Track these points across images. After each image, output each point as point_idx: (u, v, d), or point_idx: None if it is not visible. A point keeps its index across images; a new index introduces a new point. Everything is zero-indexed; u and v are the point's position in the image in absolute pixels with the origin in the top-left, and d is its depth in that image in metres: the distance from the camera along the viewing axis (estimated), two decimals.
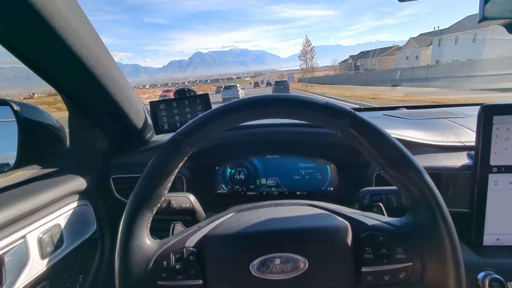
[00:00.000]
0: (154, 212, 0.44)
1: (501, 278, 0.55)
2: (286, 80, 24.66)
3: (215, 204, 0.89)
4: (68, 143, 0.93)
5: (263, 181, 0.89)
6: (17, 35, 0.55)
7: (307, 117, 0.42)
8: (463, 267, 0.37)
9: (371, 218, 0.43)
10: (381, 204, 0.55)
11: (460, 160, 0.67)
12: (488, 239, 0.62)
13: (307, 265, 0.38)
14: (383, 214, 0.54)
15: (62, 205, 0.71)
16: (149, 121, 0.91)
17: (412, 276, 0.38)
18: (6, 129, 0.78)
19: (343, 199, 0.75)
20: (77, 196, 0.75)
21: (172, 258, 0.41)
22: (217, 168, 0.91)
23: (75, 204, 0.74)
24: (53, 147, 0.89)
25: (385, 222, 0.41)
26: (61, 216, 0.70)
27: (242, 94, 20.73)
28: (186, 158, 0.44)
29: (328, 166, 0.86)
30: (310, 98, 0.42)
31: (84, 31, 0.60)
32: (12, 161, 0.75)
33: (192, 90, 0.99)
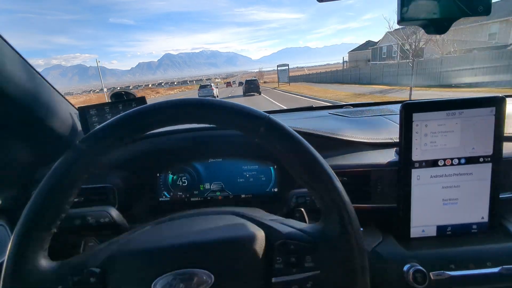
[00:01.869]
0: (53, 230, 0.39)
1: (423, 269, 0.57)
2: (256, 79, 24.83)
3: (157, 213, 0.84)
4: None
5: (207, 185, 0.86)
6: None
7: (221, 123, 0.40)
8: (368, 273, 0.37)
9: (287, 226, 0.42)
10: (302, 209, 0.55)
11: (388, 156, 0.70)
12: (415, 232, 0.65)
13: (212, 280, 0.36)
14: (303, 219, 0.54)
15: None
16: (79, 128, 0.84)
17: (319, 284, 0.37)
18: None
19: (286, 199, 0.75)
20: None
21: (70, 281, 0.37)
22: (158, 175, 0.86)
23: None
24: None
25: (299, 229, 0.40)
26: None
27: (216, 92, 25.33)
28: (93, 169, 0.40)
29: (271, 167, 0.85)
30: (223, 102, 0.40)
31: None
32: None
33: (131, 94, 0.93)
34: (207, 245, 0.39)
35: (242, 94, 23.95)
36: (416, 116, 0.61)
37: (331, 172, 0.39)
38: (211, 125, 0.43)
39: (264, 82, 52.93)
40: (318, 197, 0.39)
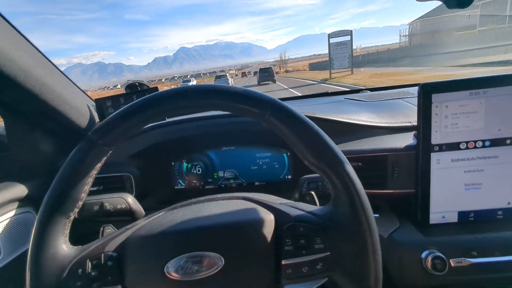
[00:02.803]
0: (72, 217, 0.41)
1: (443, 256, 0.55)
2: (270, 67, 24.44)
3: (173, 200, 0.86)
4: (6, 147, 0.87)
5: (221, 173, 0.87)
6: None
7: (228, 108, 0.40)
8: (380, 256, 0.36)
9: (296, 209, 0.41)
10: (312, 192, 0.54)
11: (406, 140, 0.67)
12: (434, 218, 0.63)
13: (223, 262, 0.36)
14: (314, 202, 0.53)
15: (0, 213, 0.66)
16: (97, 119, 0.87)
17: (330, 266, 0.37)
18: None
19: (299, 185, 0.75)
20: (17, 204, 0.70)
21: (89, 264, 0.39)
22: (172, 163, 0.88)
23: (14, 212, 0.69)
24: None
25: (309, 212, 0.40)
26: None
27: (231, 82, 26.54)
28: (105, 158, 0.42)
29: (285, 154, 0.84)
30: (228, 88, 0.40)
31: (12, 47, 0.55)
32: None
33: (145, 85, 0.94)
34: (217, 228, 0.40)
35: (256, 83, 23.79)
36: (435, 97, 0.58)
37: (341, 155, 0.37)
38: (219, 111, 0.42)
39: (286, 71, 46.28)
40: (328, 179, 0.38)
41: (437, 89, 0.57)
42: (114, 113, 0.41)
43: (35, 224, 0.39)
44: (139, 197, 0.76)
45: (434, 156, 0.60)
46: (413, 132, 0.70)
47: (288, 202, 0.45)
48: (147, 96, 0.41)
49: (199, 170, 0.87)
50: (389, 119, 0.76)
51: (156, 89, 0.86)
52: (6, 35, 0.58)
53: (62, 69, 0.76)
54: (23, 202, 0.72)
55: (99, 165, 0.41)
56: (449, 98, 0.58)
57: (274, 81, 22.31)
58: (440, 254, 0.56)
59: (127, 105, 0.41)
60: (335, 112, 0.78)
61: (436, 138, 0.59)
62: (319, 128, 0.38)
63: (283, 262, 0.38)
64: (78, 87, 0.85)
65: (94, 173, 0.41)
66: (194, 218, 0.42)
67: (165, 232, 0.40)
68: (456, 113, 0.58)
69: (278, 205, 0.43)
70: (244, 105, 0.39)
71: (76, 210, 0.41)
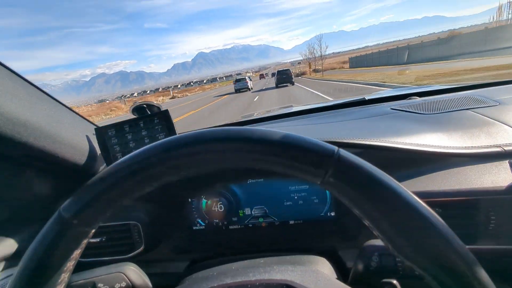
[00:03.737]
0: None
1: None
2: (288, 69, 23.90)
3: (191, 244, 0.72)
4: None
5: (247, 211, 0.72)
6: None
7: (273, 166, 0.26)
8: None
9: None
10: (395, 282, 0.37)
11: (502, 174, 0.49)
12: None
13: None
14: None
15: None
16: (98, 152, 0.74)
17: None
18: None
19: (348, 226, 0.58)
20: (2, 265, 0.58)
21: None
22: (189, 200, 0.74)
23: None
24: None
25: None
26: None
27: (250, 84, 26.16)
28: (87, 238, 0.29)
29: None
30: (267, 133, 0.25)
31: None
32: None
33: (156, 106, 0.80)
34: None
35: (274, 86, 23.51)
36: None
37: (467, 252, 0.21)
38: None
39: (315, 71, 34.64)
40: (440, 285, 0.22)
41: None
42: (99, 175, 0.28)
43: None
44: (148, 248, 0.62)
45: None
46: (508, 161, 0.51)
47: None
48: (155, 143, 0.28)
49: (221, 207, 0.72)
50: (465, 141, 0.57)
51: (166, 112, 0.72)
52: None
53: (86, 79, 0.61)
54: (9, 261, 0.60)
55: (81, 246, 0.29)
56: None
57: (293, 83, 21.98)
58: None
59: (119, 161, 0.28)
60: (387, 133, 0.61)
61: None
62: (423, 204, 0.22)
63: None
64: (74, 111, 0.72)
65: (73, 257, 0.28)
66: None
67: None
68: None
69: None
70: (293, 164, 0.24)
71: None
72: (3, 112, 0.47)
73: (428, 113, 0.75)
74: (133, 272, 0.46)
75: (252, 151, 0.26)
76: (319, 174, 0.24)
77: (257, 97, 16.50)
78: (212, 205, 0.72)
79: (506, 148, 0.53)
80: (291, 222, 0.70)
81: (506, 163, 0.51)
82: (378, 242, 0.43)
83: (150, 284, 0.47)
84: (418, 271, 0.23)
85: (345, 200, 0.25)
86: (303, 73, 39.26)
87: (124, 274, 0.45)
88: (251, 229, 0.72)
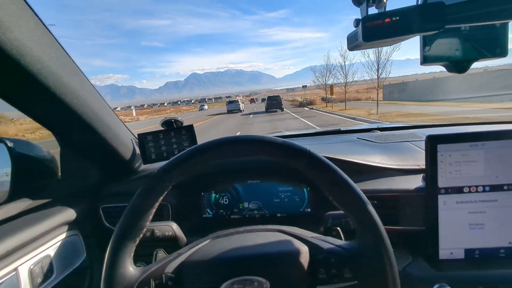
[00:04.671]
0: (137, 242, 0.49)
1: None
2: (278, 96, 25.00)
3: (201, 227, 0.94)
4: (59, 173, 0.97)
5: (246, 204, 0.95)
6: (13, 90, 0.61)
7: (270, 155, 0.49)
8: (399, 283, 0.44)
9: (327, 242, 0.50)
10: (338, 229, 0.63)
11: (416, 182, 0.76)
12: (443, 254, 0.70)
13: (269, 286, 0.44)
14: (340, 237, 0.61)
15: (53, 236, 0.75)
16: (138, 151, 0.98)
17: None
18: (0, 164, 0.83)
19: (319, 219, 0.82)
20: (66, 227, 0.79)
21: (152, 284, 0.47)
22: (202, 193, 0.97)
23: (64, 235, 0.78)
24: (45, 178, 0.94)
25: (338, 246, 0.48)
26: (51, 247, 0.73)
27: (242, 106, 29.05)
28: (166, 192, 0.50)
29: (305, 189, 0.93)
30: (269, 138, 0.49)
31: (76, 83, 0.67)
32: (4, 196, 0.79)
33: (179, 121, 1.06)
34: (261, 257, 0.48)
35: (264, 110, 24.31)
36: (440, 147, 0.68)
37: (365, 198, 0.47)
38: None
39: (323, 100, 26.53)
40: (355, 219, 0.47)
41: (441, 140, 0.67)
42: (176, 156, 0.50)
43: (108, 248, 0.47)
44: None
45: (441, 198, 0.69)
46: (422, 175, 0.79)
47: (318, 236, 0.53)
48: (207, 141, 0.51)
49: (226, 201, 0.95)
50: (399, 161, 0.85)
51: (191, 127, 0.98)
52: (59, 58, 0.65)
53: None
54: (71, 225, 0.81)
55: (161, 198, 0.50)
56: (452, 148, 0.67)
57: (282, 109, 22.87)
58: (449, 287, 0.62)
59: (187, 150, 0.51)
60: (351, 153, 0.88)
61: (442, 182, 0.68)
62: (346, 175, 0.48)
63: None
64: (122, 121, 0.96)
65: (157, 204, 0.50)
66: (241, 247, 0.51)
67: (217, 258, 0.49)
68: (459, 161, 0.68)
69: (310, 238, 0.52)
70: (284, 154, 0.49)
71: (141, 235, 0.50)
72: (92, 108, 0.72)
73: (381, 142, 1.04)
74: (176, 226, 0.68)
75: (262, 148, 0.50)
76: (299, 161, 0.48)
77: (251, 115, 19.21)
78: (219, 199, 0.96)
79: (422, 167, 0.81)
80: (278, 214, 0.94)
81: (420, 176, 0.79)
82: (332, 212, 0.68)
83: (185, 238, 0.69)
84: (349, 215, 0.47)
85: (315, 180, 0.49)
86: (310, 103, 29.51)
87: (171, 226, 0.67)
88: (248, 219, 0.95)
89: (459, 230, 0.69)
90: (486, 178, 0.67)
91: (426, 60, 0.57)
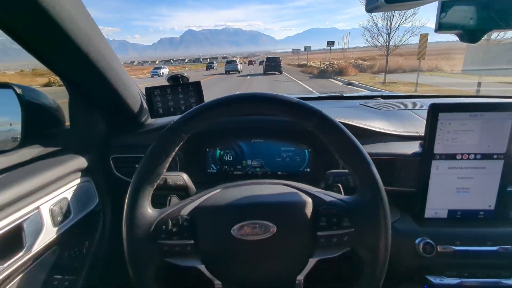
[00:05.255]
0: (155, 187, 0.53)
1: (432, 243, 0.70)
2: (278, 57, 24.14)
3: (205, 182, 1.00)
4: (66, 123, 0.99)
5: (249, 162, 1.00)
6: (25, 30, 0.60)
7: (283, 113, 0.52)
8: (390, 233, 0.50)
9: (329, 196, 0.55)
10: (339, 185, 0.68)
11: (413, 148, 0.81)
12: (429, 213, 0.77)
13: (275, 230, 0.50)
14: (340, 192, 0.67)
15: (68, 181, 0.79)
16: (145, 105, 0.99)
17: (353, 239, 0.51)
18: (9, 110, 0.84)
19: (317, 178, 0.88)
20: (79, 173, 0.83)
21: (170, 223, 0.52)
22: (207, 149, 1.01)
23: (78, 181, 0.82)
24: (53, 127, 0.96)
25: (339, 199, 0.53)
26: (67, 191, 0.78)
27: (240, 67, 29.41)
28: (182, 143, 0.53)
29: (306, 150, 0.98)
30: (284, 97, 0.52)
31: (89, 29, 0.66)
32: (16, 141, 0.81)
33: (185, 77, 1.05)
34: (271, 205, 0.53)
35: (262, 72, 23.69)
36: (441, 116, 0.71)
37: (369, 159, 0.51)
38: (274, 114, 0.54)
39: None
40: (357, 176, 0.51)
41: (443, 109, 0.70)
42: (193, 109, 0.52)
43: (129, 189, 0.52)
44: None
45: (435, 163, 0.74)
46: (420, 142, 0.84)
47: (321, 190, 0.59)
48: (222, 97, 0.53)
49: (230, 157, 1.00)
50: (399, 128, 0.89)
51: (198, 83, 0.98)
52: (95, 30, 0.68)
53: None
54: (84, 172, 0.85)
55: (177, 148, 0.53)
56: (453, 117, 0.71)
57: (281, 72, 22.30)
58: (430, 241, 0.70)
59: (201, 104, 0.53)
60: (354, 117, 0.91)
61: (438, 148, 0.73)
62: (353, 136, 0.51)
63: (318, 234, 0.51)
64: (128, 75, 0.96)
65: (173, 154, 0.53)
66: (251, 195, 0.56)
67: (228, 204, 0.54)
68: (457, 130, 0.71)
69: (314, 192, 0.57)
70: (296, 113, 0.51)
71: (158, 181, 0.54)
72: (105, 56, 0.72)
73: (382, 109, 1.07)
74: (186, 177, 0.73)
75: (276, 106, 0.52)
76: (311, 121, 0.51)
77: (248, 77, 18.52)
78: (223, 155, 1.00)
79: (420, 134, 0.85)
80: (279, 173, 0.99)
81: (417, 142, 0.84)
82: (333, 170, 0.73)
83: (194, 188, 0.74)
84: (353, 173, 0.51)
85: (324, 140, 0.52)
86: (340, 70, 19.19)
87: (182, 176, 0.72)
88: (250, 176, 1.00)
89: (446, 193, 0.76)
90: (479, 147, 0.72)
91: (441, 27, 0.58)
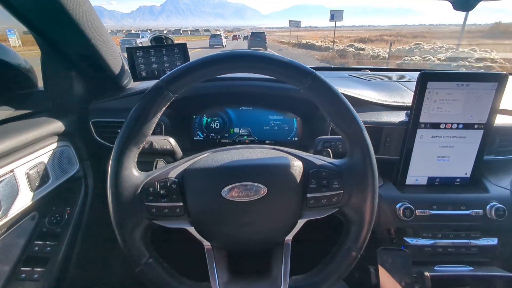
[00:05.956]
0: (140, 148, 0.51)
1: (412, 207, 0.74)
2: (263, 32, 23.48)
3: (191, 150, 0.98)
4: (39, 85, 0.91)
5: (236, 130, 0.98)
6: None
7: (276, 73, 0.50)
8: (377, 195, 0.51)
9: (319, 159, 0.55)
10: (329, 150, 0.69)
11: (399, 117, 0.82)
12: (410, 180, 0.81)
13: (266, 191, 0.50)
14: (330, 156, 0.68)
15: (44, 145, 0.74)
16: (126, 67, 0.92)
17: (342, 200, 0.52)
18: None
19: (304, 147, 0.88)
20: (56, 138, 0.78)
21: (157, 185, 0.50)
22: (194, 116, 0.98)
23: (55, 145, 0.77)
24: (23, 88, 0.88)
25: (329, 162, 0.54)
26: (44, 155, 0.74)
27: (225, 42, 28.19)
28: (168, 103, 0.50)
29: (294, 119, 0.97)
30: (277, 57, 0.50)
31: None
32: None
33: (169, 38, 0.99)
34: (261, 166, 0.53)
35: (247, 48, 23.00)
36: (430, 84, 0.72)
37: (361, 122, 0.51)
38: (265, 75, 0.52)
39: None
40: (348, 139, 0.52)
41: (432, 78, 0.71)
42: (181, 66, 0.49)
43: (113, 150, 0.49)
44: None
45: (419, 132, 0.76)
46: (406, 111, 0.85)
47: (311, 154, 0.59)
48: (208, 55, 0.50)
49: (217, 125, 0.97)
50: (387, 98, 0.90)
51: (184, 45, 0.92)
52: None
53: None
54: (61, 137, 0.80)
55: (164, 108, 0.51)
56: (440, 86, 0.72)
57: (266, 48, 21.76)
58: (410, 205, 0.74)
59: (190, 61, 0.50)
60: (343, 87, 0.91)
61: (424, 117, 0.75)
62: (347, 101, 0.50)
63: (308, 195, 0.52)
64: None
65: (159, 114, 0.51)
66: (241, 158, 0.55)
67: (217, 167, 0.52)
68: (443, 99, 0.73)
69: (305, 155, 0.57)
70: (290, 73, 0.50)
71: (144, 143, 0.51)
72: (85, 12, 0.65)
73: (370, 80, 1.07)
74: (173, 141, 0.70)
75: (269, 66, 0.50)
76: (304, 82, 0.50)
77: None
78: (210, 123, 0.98)
79: (407, 104, 0.87)
80: (267, 141, 0.99)
81: (404, 112, 0.85)
82: (321, 136, 0.73)
83: (181, 152, 0.72)
84: (343, 135, 0.51)
85: (316, 101, 0.51)
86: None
87: (168, 140, 0.69)
88: (237, 144, 0.99)
89: (427, 161, 0.79)
90: (462, 117, 0.74)
91: None
